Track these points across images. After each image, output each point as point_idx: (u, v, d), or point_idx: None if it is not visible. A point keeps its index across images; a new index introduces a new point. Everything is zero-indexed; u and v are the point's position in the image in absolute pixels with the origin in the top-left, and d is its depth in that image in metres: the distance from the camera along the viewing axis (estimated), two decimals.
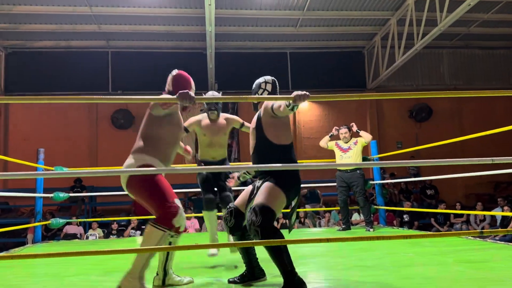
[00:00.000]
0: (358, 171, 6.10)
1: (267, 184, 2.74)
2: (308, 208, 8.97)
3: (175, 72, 3.08)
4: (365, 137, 6.24)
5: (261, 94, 3.07)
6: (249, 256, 2.93)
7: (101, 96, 2.76)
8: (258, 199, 2.69)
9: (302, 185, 2.94)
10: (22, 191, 7.07)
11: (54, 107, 11.03)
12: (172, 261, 2.91)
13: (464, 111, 12.24)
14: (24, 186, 9.39)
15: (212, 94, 4.18)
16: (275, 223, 2.73)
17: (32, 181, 6.29)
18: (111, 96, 3.59)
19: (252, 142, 2.98)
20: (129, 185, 2.78)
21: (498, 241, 5.28)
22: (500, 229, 7.33)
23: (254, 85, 3.14)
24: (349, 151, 6.11)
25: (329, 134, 6.37)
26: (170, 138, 2.92)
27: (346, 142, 6.20)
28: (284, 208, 2.91)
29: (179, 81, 3.02)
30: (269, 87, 3.09)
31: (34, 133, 10.85)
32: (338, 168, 6.30)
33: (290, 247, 2.65)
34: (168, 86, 3.04)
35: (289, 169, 2.71)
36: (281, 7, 9.68)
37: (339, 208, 6.46)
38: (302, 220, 8.56)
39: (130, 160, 2.83)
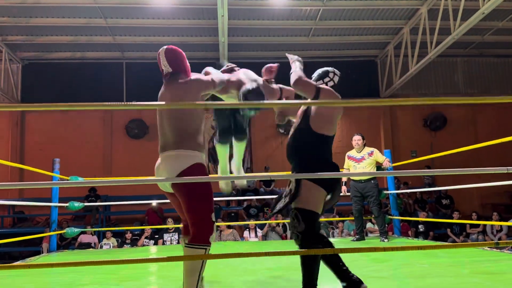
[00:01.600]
0: (372, 181, 6.04)
1: (303, 183, 2.56)
2: (322, 218, 8.90)
3: (164, 48, 2.83)
4: (384, 162, 6.08)
5: (327, 83, 2.96)
6: (332, 265, 2.65)
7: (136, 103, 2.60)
8: (297, 201, 2.54)
9: None
10: (38, 200, 7.19)
11: (70, 117, 11.18)
12: (203, 270, 2.79)
13: (479, 120, 12.10)
14: (40, 195, 9.50)
15: (244, 72, 3.63)
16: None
17: (47, 191, 6.35)
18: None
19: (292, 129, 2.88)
20: (176, 183, 2.55)
21: None
22: None
23: (320, 71, 3.02)
24: (362, 161, 6.05)
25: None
26: (204, 128, 2.79)
27: (359, 152, 6.13)
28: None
29: (177, 57, 2.83)
30: (336, 79, 2.98)
31: (50, 143, 10.98)
32: (352, 178, 6.26)
33: None
34: (165, 67, 2.82)
35: (304, 178, 2.56)
36: (293, 17, 9.73)
37: (352, 218, 6.41)
38: None
39: (180, 154, 2.59)
